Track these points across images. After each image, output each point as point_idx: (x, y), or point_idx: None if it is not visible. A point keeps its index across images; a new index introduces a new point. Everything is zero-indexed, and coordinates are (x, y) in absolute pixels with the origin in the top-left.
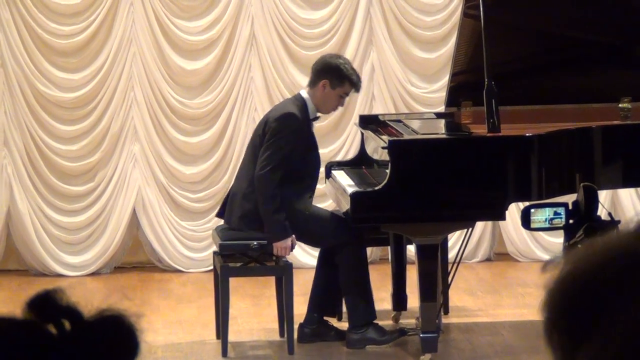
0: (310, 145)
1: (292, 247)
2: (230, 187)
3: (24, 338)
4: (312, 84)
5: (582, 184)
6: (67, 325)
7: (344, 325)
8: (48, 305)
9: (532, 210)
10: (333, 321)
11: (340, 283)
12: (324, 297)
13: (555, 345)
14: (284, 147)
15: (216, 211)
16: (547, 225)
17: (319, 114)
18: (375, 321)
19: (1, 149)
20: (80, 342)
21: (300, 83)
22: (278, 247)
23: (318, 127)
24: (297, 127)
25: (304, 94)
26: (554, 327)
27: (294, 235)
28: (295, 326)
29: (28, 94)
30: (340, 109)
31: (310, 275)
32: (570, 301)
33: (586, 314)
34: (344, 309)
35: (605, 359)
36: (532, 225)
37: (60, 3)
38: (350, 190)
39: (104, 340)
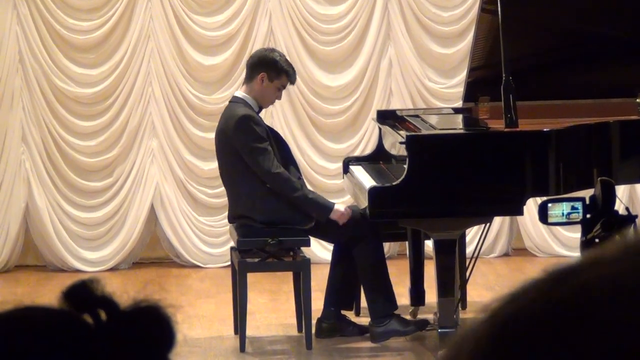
0: (272, 133)
1: (349, 211)
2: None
3: (60, 328)
4: (249, 78)
5: (599, 179)
6: (103, 315)
7: (362, 320)
8: (84, 295)
9: (550, 204)
10: (350, 315)
11: (359, 277)
12: (341, 292)
13: None
14: (263, 142)
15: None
16: (564, 219)
17: (260, 107)
18: (397, 313)
19: (19, 145)
20: (117, 333)
21: (318, 78)
22: (337, 218)
23: (335, 122)
24: (256, 121)
25: (239, 94)
26: None
27: (339, 206)
28: (313, 321)
29: (46, 89)
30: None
31: (328, 271)
32: None
33: None
34: (362, 303)
35: None
36: (550, 220)
37: None
38: (368, 185)
39: (140, 330)
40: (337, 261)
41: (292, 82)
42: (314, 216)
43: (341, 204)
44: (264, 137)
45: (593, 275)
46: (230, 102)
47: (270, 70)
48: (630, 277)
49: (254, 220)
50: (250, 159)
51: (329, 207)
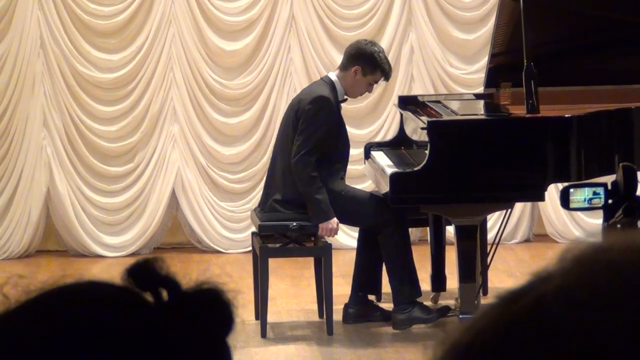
0: (340, 127)
1: (336, 230)
2: (265, 174)
3: (121, 304)
4: (344, 68)
5: (621, 164)
6: (164, 295)
7: (383, 305)
8: (147, 274)
9: (572, 190)
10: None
11: (384, 263)
12: (367, 277)
13: None
14: (318, 130)
15: (254, 202)
16: (586, 205)
17: (346, 97)
18: (419, 300)
19: (41, 130)
20: (177, 313)
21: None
22: (323, 228)
23: (357, 108)
24: (330, 109)
25: (333, 76)
26: None
27: (335, 219)
28: (335, 307)
29: (67, 74)
30: (367, 94)
31: (350, 256)
32: None
33: None
34: (384, 289)
35: None
36: (571, 206)
37: None
38: (389, 170)
39: (201, 312)
40: (362, 246)
41: (387, 79)
42: (310, 215)
43: (333, 220)
44: (325, 127)
45: (544, 289)
46: (321, 79)
47: (366, 64)
48: (582, 288)
49: (280, 195)
50: (298, 132)
51: (324, 215)
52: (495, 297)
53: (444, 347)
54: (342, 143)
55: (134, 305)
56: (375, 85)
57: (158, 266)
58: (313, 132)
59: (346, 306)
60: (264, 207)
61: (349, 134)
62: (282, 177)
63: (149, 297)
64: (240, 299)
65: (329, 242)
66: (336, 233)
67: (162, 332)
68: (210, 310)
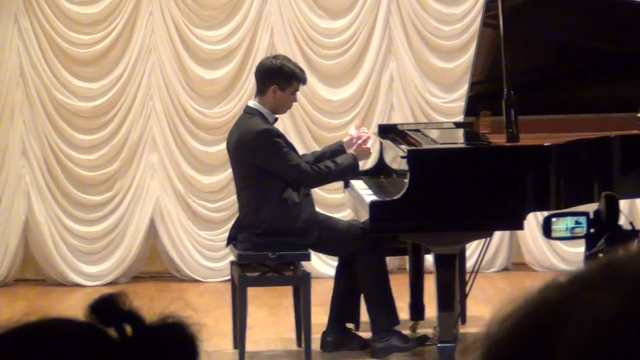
0: (291, 147)
1: (366, 140)
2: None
3: (85, 341)
4: (262, 91)
5: (603, 193)
6: (128, 330)
7: (361, 333)
8: (110, 309)
9: (554, 219)
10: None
11: (362, 292)
12: (345, 305)
13: None
14: (284, 149)
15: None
16: (568, 234)
17: (276, 116)
18: (398, 328)
19: (20, 159)
20: (141, 348)
21: (319, 92)
22: (363, 155)
23: (337, 136)
24: (277, 134)
25: (253, 104)
26: None
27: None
28: (313, 336)
29: (47, 103)
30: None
31: (328, 285)
32: None
33: None
34: (363, 317)
35: None
36: (553, 235)
37: (79, 12)
38: (369, 199)
39: (165, 347)
40: (340, 275)
41: (304, 82)
42: (353, 173)
43: (360, 149)
44: (284, 145)
45: (586, 306)
46: (244, 112)
47: (279, 80)
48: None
49: (257, 228)
50: (279, 168)
51: (354, 160)
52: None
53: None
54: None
55: (97, 341)
56: (298, 93)
57: (121, 301)
58: (284, 156)
59: (324, 334)
60: (239, 239)
61: None
62: (254, 213)
63: (112, 332)
64: (217, 328)
65: (307, 271)
66: (369, 150)
67: None
68: (174, 345)
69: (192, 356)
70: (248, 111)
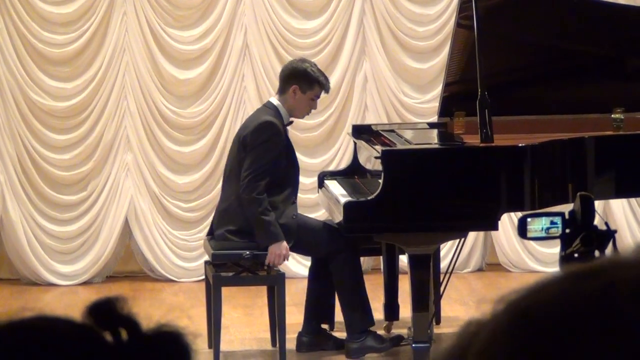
0: (289, 151)
1: (287, 257)
2: (216, 206)
3: (79, 342)
4: (282, 90)
5: (578, 193)
6: (124, 334)
7: (336, 334)
8: (108, 312)
9: (529, 219)
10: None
11: (336, 292)
12: (320, 306)
13: None
14: (266, 154)
15: (207, 231)
16: (543, 234)
17: (292, 119)
18: (373, 329)
19: None
20: (135, 354)
21: None
22: (272, 253)
23: (310, 136)
24: (277, 133)
25: (275, 101)
26: None
27: (285, 244)
28: (288, 336)
29: (21, 102)
30: (313, 112)
31: (302, 285)
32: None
33: None
34: (337, 318)
35: None
36: (529, 235)
37: (53, 12)
38: (343, 200)
39: (158, 354)
40: (314, 275)
41: (327, 90)
42: (258, 240)
43: (282, 245)
44: (274, 151)
45: (618, 276)
46: (263, 105)
47: (301, 82)
48: None
49: (234, 225)
50: (250, 158)
51: (273, 237)
52: (565, 269)
53: (504, 304)
54: (292, 168)
55: (92, 344)
56: (318, 101)
57: (119, 306)
58: (261, 157)
59: (299, 335)
60: (216, 236)
61: (301, 163)
62: (236, 207)
63: (108, 336)
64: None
65: (281, 270)
66: (286, 259)
67: None
68: (169, 353)
69: None
70: (267, 105)
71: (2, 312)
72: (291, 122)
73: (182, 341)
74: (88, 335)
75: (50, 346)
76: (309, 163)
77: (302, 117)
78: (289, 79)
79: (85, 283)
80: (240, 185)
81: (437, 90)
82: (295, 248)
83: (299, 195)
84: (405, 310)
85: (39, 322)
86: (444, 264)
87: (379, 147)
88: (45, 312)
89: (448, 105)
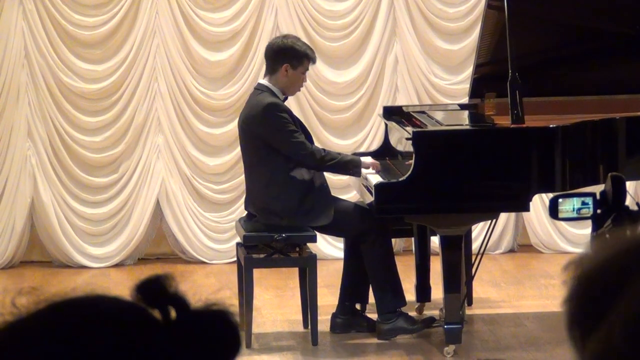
0: (299, 123)
1: (376, 164)
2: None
3: (128, 321)
4: (273, 70)
5: (610, 174)
6: (172, 313)
7: (369, 315)
8: (156, 291)
9: (560, 200)
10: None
11: (368, 273)
12: (354, 287)
13: (573, 337)
14: (290, 126)
15: (238, 213)
16: (575, 215)
17: (285, 96)
18: (404, 310)
19: (25, 141)
20: (184, 331)
21: (324, 74)
22: (367, 168)
23: (341, 118)
24: (285, 109)
25: (265, 82)
26: (572, 319)
27: (365, 158)
28: (320, 317)
29: (52, 85)
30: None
31: (334, 267)
32: (584, 294)
33: (596, 305)
34: (370, 299)
35: (607, 348)
36: (560, 215)
37: None
38: (374, 181)
39: (207, 333)
40: (349, 256)
41: (314, 61)
42: (351, 173)
43: (366, 160)
44: (290, 122)
45: None
46: (255, 89)
47: (291, 59)
48: None
49: (270, 211)
50: (282, 143)
51: (356, 164)
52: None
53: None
54: (306, 139)
55: (141, 321)
56: (308, 73)
57: (168, 284)
58: (289, 131)
59: (334, 316)
60: (250, 218)
61: (333, 145)
62: (264, 189)
63: (157, 314)
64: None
65: (313, 252)
66: (376, 166)
67: (168, 351)
68: (217, 332)
69: (234, 344)
70: (258, 88)
71: (56, 292)
72: (286, 99)
73: (231, 319)
74: (138, 313)
75: (99, 325)
76: (340, 145)
77: (294, 94)
78: (278, 58)
79: (116, 265)
80: (298, 160)
81: (468, 72)
82: (327, 229)
83: (330, 176)
84: (437, 291)
85: (89, 300)
86: (475, 245)
87: (410, 129)
88: (97, 290)
89: (479, 87)
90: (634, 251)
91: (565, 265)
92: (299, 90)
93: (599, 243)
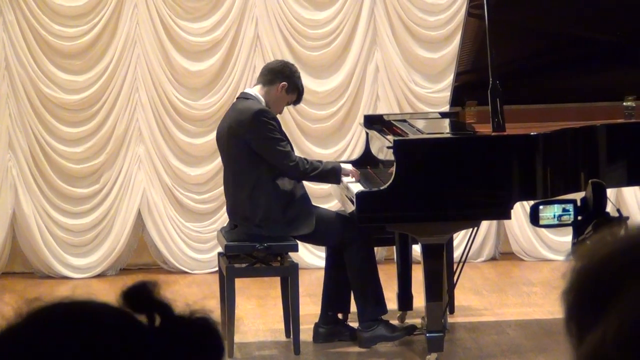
0: (284, 136)
1: (354, 171)
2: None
3: (115, 325)
4: (270, 82)
5: (590, 180)
6: (158, 319)
7: (351, 324)
8: (142, 297)
9: (541, 207)
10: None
11: (350, 281)
12: (336, 296)
13: (569, 331)
14: (277, 134)
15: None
16: (555, 222)
17: None
18: (385, 318)
19: (6, 152)
20: (168, 337)
21: (305, 83)
22: (345, 175)
23: (322, 127)
24: (273, 117)
25: (253, 91)
26: (570, 314)
27: (344, 165)
28: (302, 326)
29: (32, 96)
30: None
31: (316, 276)
32: (583, 289)
33: (593, 304)
34: (352, 308)
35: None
36: (541, 222)
37: (64, 5)
38: (355, 190)
39: (191, 339)
40: (330, 265)
41: (298, 102)
42: (332, 182)
43: (346, 166)
44: (278, 130)
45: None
46: (239, 97)
47: (290, 82)
48: None
49: (253, 220)
50: (268, 151)
51: (337, 172)
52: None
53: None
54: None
55: (129, 326)
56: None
57: (153, 290)
58: (277, 139)
59: (316, 326)
60: (231, 228)
61: (313, 154)
62: (248, 198)
63: (142, 319)
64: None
65: (295, 261)
66: (356, 175)
67: (155, 355)
68: (201, 338)
69: (216, 351)
70: (245, 96)
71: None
72: None
73: (213, 327)
74: (124, 318)
75: (86, 329)
76: (321, 154)
77: (275, 115)
78: (280, 75)
79: (98, 276)
80: (281, 169)
81: (449, 80)
82: (309, 238)
83: (312, 186)
84: (419, 300)
85: (76, 306)
86: (457, 254)
87: (390, 137)
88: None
89: (459, 95)
90: (632, 251)
91: (567, 257)
92: (279, 113)
93: (599, 238)
